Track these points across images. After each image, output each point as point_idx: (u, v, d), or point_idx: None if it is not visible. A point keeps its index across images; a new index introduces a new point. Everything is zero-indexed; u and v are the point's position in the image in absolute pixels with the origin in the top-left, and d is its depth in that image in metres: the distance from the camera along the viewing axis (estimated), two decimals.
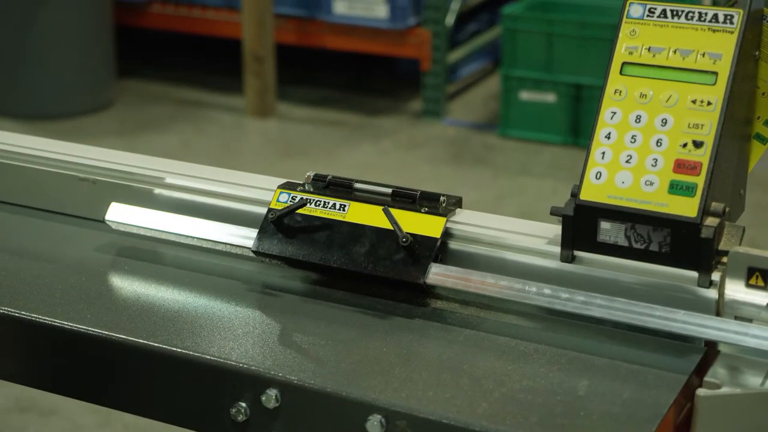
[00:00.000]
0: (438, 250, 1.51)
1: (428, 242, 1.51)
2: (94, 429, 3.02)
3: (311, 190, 1.61)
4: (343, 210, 1.57)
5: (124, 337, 1.41)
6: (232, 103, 5.33)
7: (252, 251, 1.58)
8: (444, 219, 1.53)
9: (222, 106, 5.35)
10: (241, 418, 1.34)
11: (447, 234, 1.54)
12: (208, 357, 1.37)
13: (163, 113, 5.28)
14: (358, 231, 1.54)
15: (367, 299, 1.52)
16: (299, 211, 1.57)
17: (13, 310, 1.47)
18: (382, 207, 1.54)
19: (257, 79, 5.13)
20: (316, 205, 1.58)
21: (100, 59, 5.28)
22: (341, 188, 1.61)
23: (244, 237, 1.60)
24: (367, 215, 1.55)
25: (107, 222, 1.67)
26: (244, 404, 1.34)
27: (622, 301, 1.41)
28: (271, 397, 1.33)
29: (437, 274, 1.49)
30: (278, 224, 1.57)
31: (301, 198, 1.58)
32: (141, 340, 1.40)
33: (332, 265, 1.54)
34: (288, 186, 1.62)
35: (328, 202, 1.58)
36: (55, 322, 1.45)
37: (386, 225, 1.53)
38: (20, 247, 1.68)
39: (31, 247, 1.68)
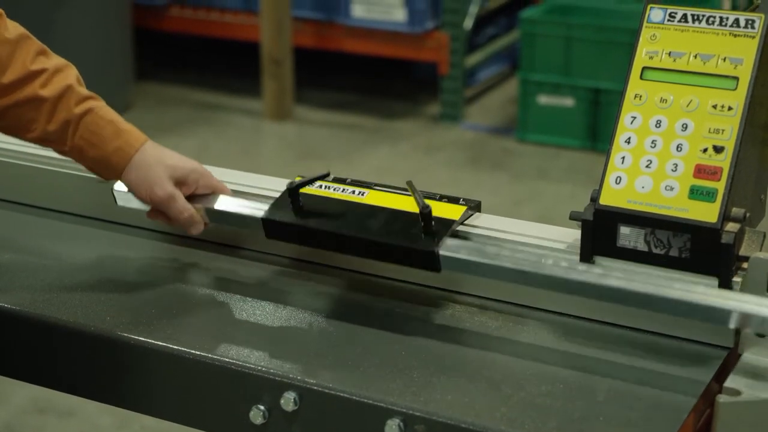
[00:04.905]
0: (455, 231, 1.49)
1: (446, 222, 1.49)
2: (112, 431, 3.02)
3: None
4: (362, 195, 1.55)
5: (144, 339, 1.42)
6: (250, 106, 5.33)
7: (262, 220, 1.54)
8: (464, 207, 1.52)
9: (240, 109, 5.35)
10: (259, 421, 1.34)
11: (466, 237, 1.53)
12: (227, 360, 1.37)
13: (182, 116, 5.29)
14: (375, 210, 1.51)
15: (386, 303, 1.52)
16: (317, 193, 1.55)
17: (32, 312, 1.48)
18: (406, 180, 1.51)
19: (275, 82, 5.13)
20: (335, 191, 1.56)
21: (118, 62, 5.29)
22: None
23: (255, 209, 1.57)
24: (386, 200, 1.53)
25: (115, 192, 1.64)
26: (262, 407, 1.34)
27: (640, 272, 1.39)
28: (289, 400, 1.33)
29: (452, 245, 1.46)
30: (294, 197, 1.53)
31: (326, 173, 1.55)
32: (160, 343, 1.41)
33: (345, 233, 1.50)
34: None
35: (348, 189, 1.56)
36: (75, 324, 1.45)
37: (405, 208, 1.51)
38: (40, 249, 1.69)
39: (50, 249, 1.69)
